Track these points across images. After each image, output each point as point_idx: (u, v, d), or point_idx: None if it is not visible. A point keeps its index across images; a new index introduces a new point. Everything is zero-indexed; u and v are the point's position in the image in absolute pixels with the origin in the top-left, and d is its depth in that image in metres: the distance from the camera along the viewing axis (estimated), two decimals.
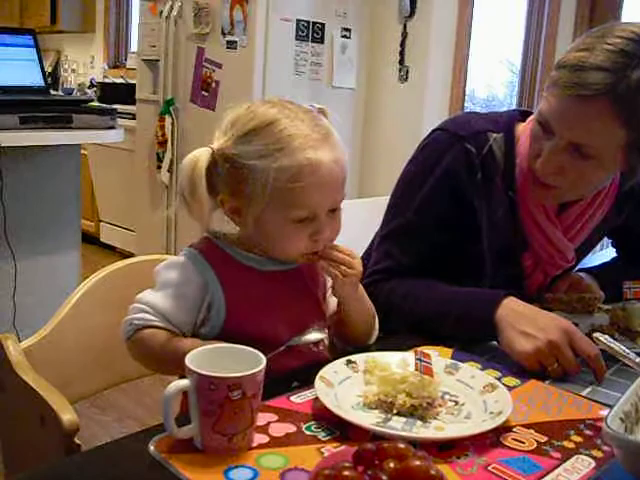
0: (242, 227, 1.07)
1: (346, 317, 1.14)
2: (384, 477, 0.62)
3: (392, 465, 0.63)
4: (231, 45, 3.63)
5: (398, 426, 0.90)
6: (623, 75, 1.13)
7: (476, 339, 1.22)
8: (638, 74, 1.13)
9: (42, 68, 2.86)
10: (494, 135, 1.36)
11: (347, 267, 1.06)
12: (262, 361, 0.82)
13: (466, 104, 3.99)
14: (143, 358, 1.06)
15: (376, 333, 1.19)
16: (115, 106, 3.18)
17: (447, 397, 0.98)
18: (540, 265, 1.43)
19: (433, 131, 1.42)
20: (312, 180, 0.99)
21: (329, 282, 1.15)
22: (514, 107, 3.78)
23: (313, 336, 1.10)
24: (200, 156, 1.01)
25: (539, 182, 1.29)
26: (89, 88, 5.79)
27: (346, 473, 0.62)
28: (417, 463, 0.63)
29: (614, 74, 1.13)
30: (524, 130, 1.37)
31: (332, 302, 1.17)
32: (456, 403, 0.97)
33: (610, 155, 1.21)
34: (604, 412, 0.94)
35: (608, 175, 1.31)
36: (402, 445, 0.66)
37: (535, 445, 0.87)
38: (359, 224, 1.42)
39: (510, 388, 1.01)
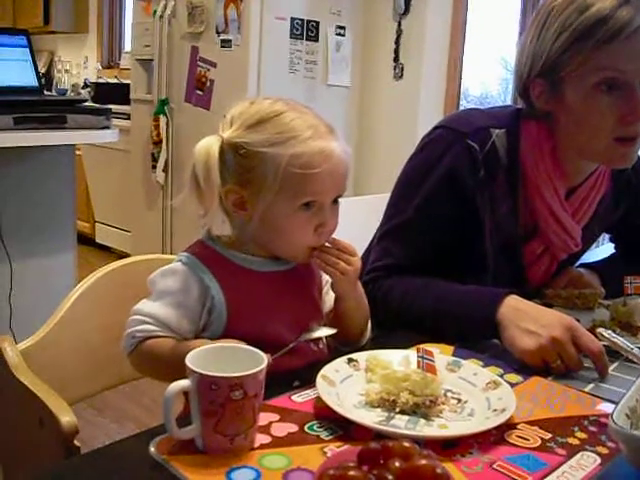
0: (245, 222, 1.05)
1: (343, 314, 1.13)
2: (390, 477, 0.61)
3: (398, 464, 0.62)
4: (225, 44, 3.62)
5: (401, 424, 0.89)
6: None
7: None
8: None
9: (36, 68, 2.84)
10: (496, 131, 1.35)
11: (345, 264, 1.06)
12: (263, 360, 0.81)
13: (460, 101, 3.99)
14: (151, 368, 1.04)
15: (368, 334, 1.18)
16: (109, 106, 3.16)
17: (450, 395, 0.97)
18: (549, 250, 1.41)
19: (435, 128, 1.40)
20: (325, 167, 1.00)
21: (325, 280, 1.14)
22: (509, 104, 3.77)
23: (323, 332, 1.08)
24: (212, 142, 1.01)
25: (621, 142, 1.27)
26: (83, 89, 5.77)
27: (352, 473, 0.61)
28: (423, 462, 0.62)
29: None
30: (528, 123, 1.36)
31: (328, 300, 1.15)
32: (459, 401, 0.96)
33: None
34: (602, 406, 0.94)
35: None
36: (407, 444, 0.65)
37: (540, 442, 0.86)
38: (355, 222, 1.41)
39: (513, 385, 1.01)
